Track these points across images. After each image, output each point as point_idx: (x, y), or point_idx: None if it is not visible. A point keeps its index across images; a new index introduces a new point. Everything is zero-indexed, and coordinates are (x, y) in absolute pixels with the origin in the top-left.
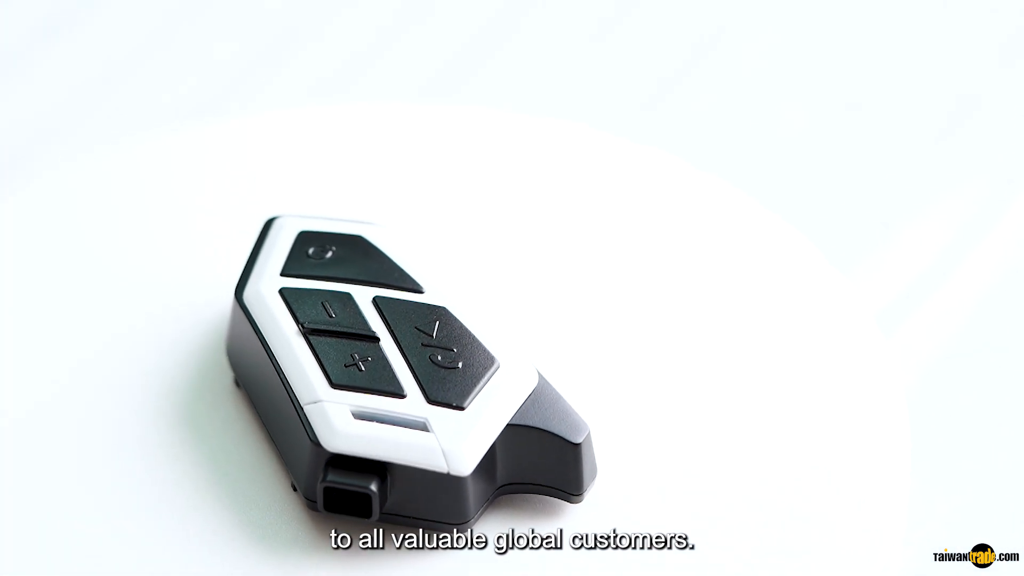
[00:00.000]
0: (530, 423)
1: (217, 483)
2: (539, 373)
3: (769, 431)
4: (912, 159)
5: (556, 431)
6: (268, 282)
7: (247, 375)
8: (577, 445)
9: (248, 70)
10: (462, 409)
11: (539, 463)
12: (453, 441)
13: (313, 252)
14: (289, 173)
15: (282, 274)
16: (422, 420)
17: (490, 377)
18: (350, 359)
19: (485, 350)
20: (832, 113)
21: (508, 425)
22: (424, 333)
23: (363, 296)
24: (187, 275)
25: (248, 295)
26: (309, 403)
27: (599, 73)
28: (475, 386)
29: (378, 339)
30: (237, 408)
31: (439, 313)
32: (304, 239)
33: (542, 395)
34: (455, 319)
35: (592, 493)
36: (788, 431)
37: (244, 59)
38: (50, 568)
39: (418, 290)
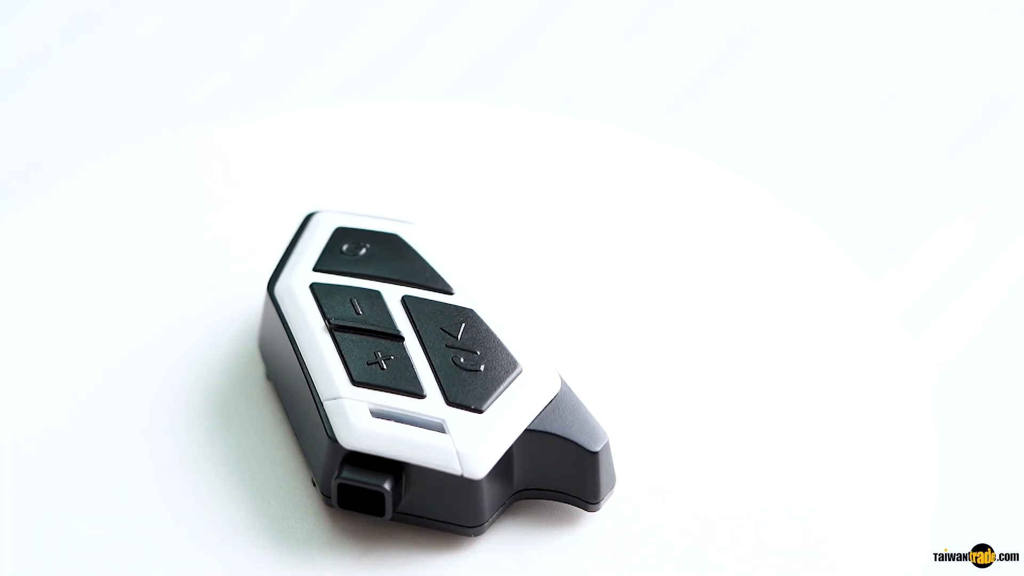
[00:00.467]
0: (549, 429)
1: (240, 477)
2: (562, 379)
3: (795, 433)
4: (940, 159)
5: (574, 439)
6: (300, 277)
7: (275, 368)
8: (595, 453)
9: (277, 69)
10: (480, 412)
11: (557, 470)
12: (469, 444)
13: (347, 248)
14: (319, 172)
15: (315, 269)
16: (439, 421)
17: (511, 381)
18: (373, 357)
19: (509, 354)
20: (860, 113)
21: (526, 430)
22: (449, 334)
23: (392, 295)
24: (221, 271)
25: (279, 289)
26: (329, 399)
27: (628, 73)
28: (495, 389)
29: (403, 338)
30: (267, 402)
31: (466, 315)
32: (340, 235)
33: (563, 401)
34: (482, 322)
35: (611, 502)
36: (815, 432)
37: (272, 58)
38: (72, 559)
39: (448, 291)
